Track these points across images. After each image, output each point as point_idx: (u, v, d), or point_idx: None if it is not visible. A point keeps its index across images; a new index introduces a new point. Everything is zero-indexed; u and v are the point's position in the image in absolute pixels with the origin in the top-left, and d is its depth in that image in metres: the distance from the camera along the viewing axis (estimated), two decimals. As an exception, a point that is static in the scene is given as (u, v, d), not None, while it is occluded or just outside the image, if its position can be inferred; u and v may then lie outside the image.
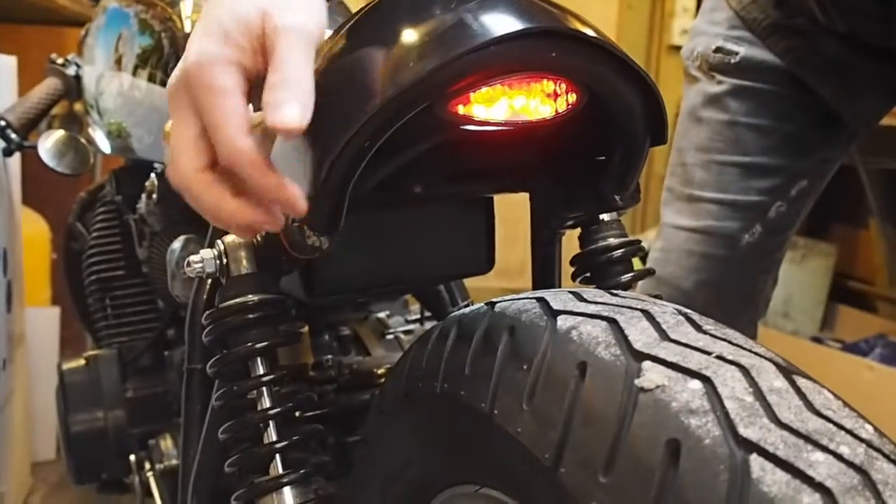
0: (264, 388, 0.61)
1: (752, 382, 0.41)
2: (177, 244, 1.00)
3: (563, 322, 0.48)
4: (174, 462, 1.06)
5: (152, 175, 1.09)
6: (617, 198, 0.63)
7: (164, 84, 1.03)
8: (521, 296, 0.54)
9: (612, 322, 0.46)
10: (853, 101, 1.01)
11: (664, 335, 0.45)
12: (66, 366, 1.25)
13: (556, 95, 0.53)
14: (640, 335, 0.45)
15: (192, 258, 0.61)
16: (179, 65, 0.51)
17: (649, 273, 0.73)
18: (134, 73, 1.10)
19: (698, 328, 0.47)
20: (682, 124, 1.10)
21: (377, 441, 0.65)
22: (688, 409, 0.39)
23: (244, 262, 0.61)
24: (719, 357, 0.43)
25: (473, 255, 0.75)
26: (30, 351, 1.74)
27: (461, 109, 0.51)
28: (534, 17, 0.50)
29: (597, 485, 0.40)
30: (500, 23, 0.49)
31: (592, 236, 0.69)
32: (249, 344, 0.60)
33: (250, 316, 0.60)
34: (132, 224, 1.19)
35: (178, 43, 1.00)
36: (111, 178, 1.27)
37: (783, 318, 2.74)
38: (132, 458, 1.20)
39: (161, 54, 1.04)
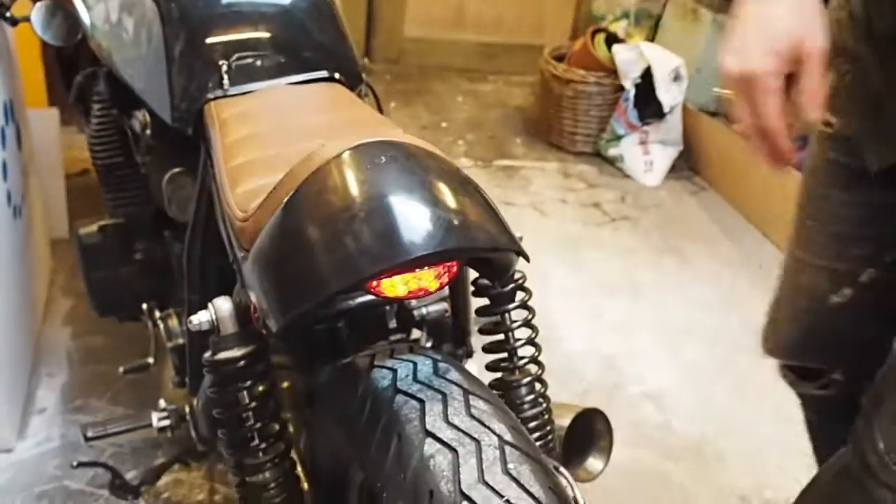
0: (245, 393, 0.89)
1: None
2: (168, 175, 1.22)
3: None
4: (181, 341, 1.36)
5: (146, 112, 1.25)
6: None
7: (149, 40, 1.16)
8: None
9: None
10: None
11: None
12: (83, 231, 1.50)
13: (444, 270, 0.76)
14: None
15: (193, 318, 0.86)
16: (737, 52, 0.78)
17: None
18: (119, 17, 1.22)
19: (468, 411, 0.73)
20: (803, 172, 1.16)
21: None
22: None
23: (230, 322, 0.86)
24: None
25: None
26: (35, 151, 1.95)
27: (374, 285, 0.74)
28: (434, 236, 0.69)
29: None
30: (410, 244, 0.68)
31: None
32: (239, 384, 0.87)
33: (236, 367, 0.86)
34: (129, 131, 1.37)
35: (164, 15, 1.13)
36: (105, 77, 1.40)
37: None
38: (144, 306, 1.50)
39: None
